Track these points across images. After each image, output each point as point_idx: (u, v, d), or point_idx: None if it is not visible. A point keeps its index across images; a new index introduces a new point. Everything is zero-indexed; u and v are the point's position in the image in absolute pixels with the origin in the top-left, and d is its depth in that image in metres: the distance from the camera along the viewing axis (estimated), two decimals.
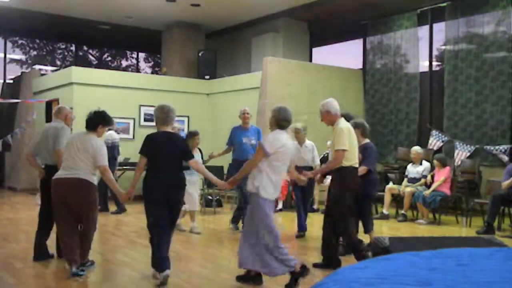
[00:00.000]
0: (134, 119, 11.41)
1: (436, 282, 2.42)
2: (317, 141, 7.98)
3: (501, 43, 9.49)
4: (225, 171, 10.68)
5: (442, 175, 8.57)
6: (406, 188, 8.81)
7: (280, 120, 4.74)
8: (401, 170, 9.98)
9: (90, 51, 17.39)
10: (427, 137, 10.47)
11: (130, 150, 9.88)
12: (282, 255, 4.52)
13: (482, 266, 2.74)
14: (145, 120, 11.30)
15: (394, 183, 9.44)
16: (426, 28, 10.90)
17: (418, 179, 8.91)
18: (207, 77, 12.88)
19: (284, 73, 10.82)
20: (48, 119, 11.88)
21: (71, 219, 5.03)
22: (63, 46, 16.87)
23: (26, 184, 12.28)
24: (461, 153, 9.75)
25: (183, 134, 9.04)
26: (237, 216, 7.52)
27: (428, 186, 8.75)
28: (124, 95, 11.30)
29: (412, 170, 9.06)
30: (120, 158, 9.88)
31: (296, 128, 7.20)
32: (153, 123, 5.04)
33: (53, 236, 5.54)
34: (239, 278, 4.79)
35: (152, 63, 17.99)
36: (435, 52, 11.03)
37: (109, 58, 17.86)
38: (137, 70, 17.34)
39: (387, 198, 9.00)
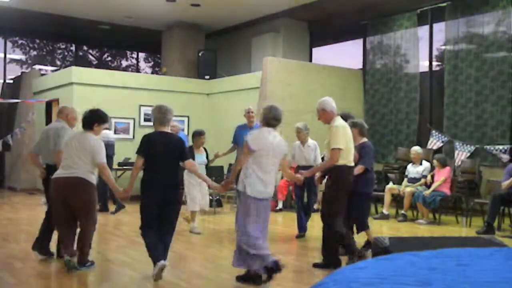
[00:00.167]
0: (134, 119, 11.42)
1: (436, 282, 2.42)
2: (318, 140, 7.98)
3: (501, 43, 9.49)
4: (225, 171, 10.70)
5: (442, 175, 8.57)
6: (406, 188, 8.81)
7: (269, 118, 4.75)
8: (401, 170, 9.98)
9: (90, 51, 17.39)
10: (427, 137, 10.47)
11: (130, 150, 9.86)
12: (256, 249, 4.55)
13: (482, 266, 2.74)
14: (145, 120, 11.30)
15: (394, 183, 9.43)
16: (426, 28, 10.90)
17: (418, 179, 8.91)
18: (207, 77, 12.89)
19: (284, 73, 10.82)
20: (48, 119, 11.90)
21: (69, 218, 5.06)
22: (63, 46, 16.87)
23: (26, 184, 12.29)
24: (461, 153, 9.75)
25: (182, 134, 9.05)
26: None
27: (428, 186, 8.75)
28: (124, 95, 11.30)
29: (412, 170, 9.06)
30: (116, 158, 9.89)
31: (297, 128, 7.21)
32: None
33: (54, 237, 5.55)
34: (239, 278, 4.79)
35: (152, 63, 17.99)
36: (435, 52, 11.03)
37: (109, 58, 17.85)
38: (137, 70, 17.34)
39: (387, 198, 8.99)
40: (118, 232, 7.47)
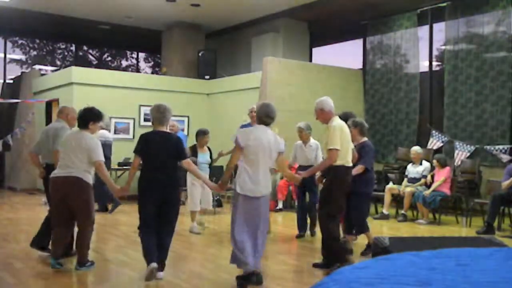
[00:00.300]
0: (134, 119, 11.42)
1: (436, 282, 2.42)
2: (319, 140, 7.98)
3: (501, 43, 9.49)
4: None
5: (442, 175, 8.57)
6: (406, 188, 8.81)
7: (262, 116, 4.71)
8: (401, 170, 9.98)
9: (90, 51, 17.39)
10: (427, 137, 10.47)
11: (130, 150, 9.78)
12: (239, 251, 4.56)
13: (482, 266, 2.74)
14: (145, 120, 11.30)
15: (394, 183, 9.43)
16: (426, 28, 10.90)
17: (418, 179, 8.91)
18: (207, 77, 12.89)
19: (284, 73, 10.82)
20: (48, 119, 11.90)
21: (67, 217, 5.06)
22: (63, 46, 16.87)
23: (26, 184, 12.29)
24: (461, 153, 9.75)
25: (181, 134, 9.06)
26: None
27: (428, 186, 8.75)
28: (124, 95, 11.31)
29: (412, 170, 9.06)
30: (116, 158, 9.89)
31: (299, 128, 7.20)
32: None
33: None
34: (239, 278, 4.79)
35: (152, 63, 17.99)
36: (435, 52, 11.03)
37: (109, 58, 17.85)
38: (137, 70, 17.34)
39: (387, 198, 8.99)
40: (117, 232, 7.47)
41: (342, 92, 11.10)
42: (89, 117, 5.19)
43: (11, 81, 14.08)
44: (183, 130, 11.86)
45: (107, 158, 9.01)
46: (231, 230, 4.69)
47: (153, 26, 13.99)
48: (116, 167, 10.35)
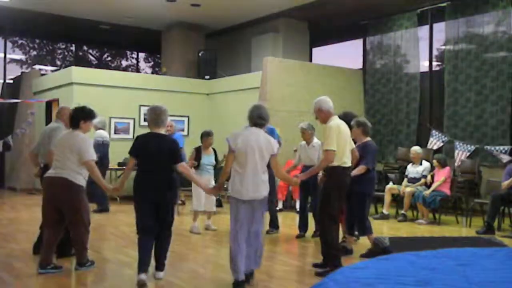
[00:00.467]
0: (134, 119, 11.42)
1: (436, 282, 2.43)
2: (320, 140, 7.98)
3: (501, 43, 9.49)
4: None
5: (442, 175, 8.57)
6: (406, 188, 8.81)
7: (254, 118, 4.67)
8: (401, 170, 9.98)
9: (90, 51, 17.39)
10: (427, 137, 10.47)
11: None
12: (231, 260, 4.54)
13: (482, 266, 2.74)
14: (145, 120, 11.27)
15: (394, 183, 9.43)
16: (426, 28, 10.90)
17: (418, 179, 8.91)
18: (207, 77, 12.88)
19: (284, 73, 10.82)
20: (48, 119, 11.90)
21: (54, 218, 5.03)
22: (63, 46, 16.87)
23: (26, 184, 12.28)
24: (461, 153, 9.75)
25: (178, 135, 9.04)
26: None
27: (428, 186, 8.75)
28: (124, 95, 11.30)
29: (412, 170, 9.06)
30: (116, 158, 9.89)
31: (301, 128, 7.17)
32: None
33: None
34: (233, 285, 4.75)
35: (152, 63, 17.99)
36: (435, 52, 11.03)
37: (109, 58, 17.85)
38: (137, 70, 17.34)
39: (387, 198, 8.99)
40: (117, 232, 7.47)
41: (342, 92, 11.10)
42: (80, 116, 5.13)
43: (11, 81, 14.08)
44: (182, 130, 11.87)
45: (105, 157, 9.05)
46: (229, 234, 4.67)
47: (153, 26, 13.99)
48: (116, 167, 10.34)
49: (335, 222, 5.23)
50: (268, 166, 4.67)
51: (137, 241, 4.70)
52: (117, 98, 11.18)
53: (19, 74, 13.82)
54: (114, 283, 4.98)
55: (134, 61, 17.62)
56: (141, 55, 17.57)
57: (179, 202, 9.56)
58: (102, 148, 8.92)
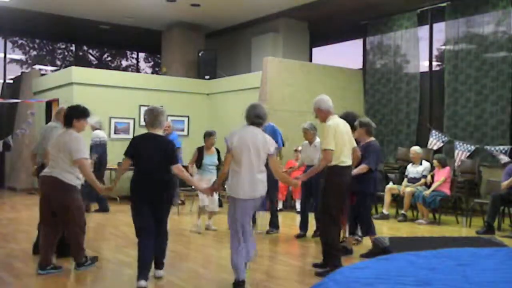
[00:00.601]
0: (134, 119, 11.42)
1: (436, 282, 2.43)
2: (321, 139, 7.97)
3: (501, 43, 9.49)
4: None
5: (442, 175, 8.57)
6: (406, 188, 8.81)
7: (252, 117, 4.66)
8: (401, 170, 9.98)
9: (90, 51, 17.39)
10: (427, 137, 10.47)
11: None
12: (232, 253, 4.54)
13: (482, 266, 2.74)
14: (145, 120, 11.29)
15: (394, 183, 9.43)
16: (426, 28, 10.90)
17: (418, 179, 8.91)
18: (207, 77, 12.89)
19: (284, 73, 10.82)
20: (48, 119, 11.90)
21: (49, 217, 5.06)
22: (63, 46, 16.87)
23: (26, 184, 12.28)
24: (461, 153, 9.75)
25: (175, 135, 9.06)
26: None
27: (428, 186, 8.75)
28: (124, 95, 11.31)
29: (412, 170, 9.06)
30: (115, 159, 9.87)
31: (303, 128, 7.17)
32: None
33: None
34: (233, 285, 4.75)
35: (152, 63, 17.99)
36: (435, 52, 11.03)
37: (109, 58, 17.86)
38: (137, 70, 17.34)
39: (387, 198, 8.99)
40: (117, 232, 7.46)
41: (342, 92, 11.10)
42: (73, 115, 5.11)
43: (11, 81, 14.08)
44: (182, 130, 11.88)
45: (103, 157, 9.07)
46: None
47: (153, 26, 13.99)
48: (116, 167, 10.32)
49: (335, 222, 5.21)
50: (267, 165, 4.67)
51: (137, 244, 4.63)
52: (117, 98, 11.18)
53: (19, 74, 13.82)
54: (114, 283, 4.98)
55: (134, 61, 17.62)
56: (141, 55, 17.58)
57: (179, 202, 9.56)
58: (99, 148, 8.98)
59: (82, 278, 5.01)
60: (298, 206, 9.31)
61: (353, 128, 5.76)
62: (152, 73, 17.28)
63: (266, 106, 5.03)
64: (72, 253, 5.15)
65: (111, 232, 7.51)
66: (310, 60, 13.28)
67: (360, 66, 12.21)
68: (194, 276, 5.16)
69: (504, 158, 9.11)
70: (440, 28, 10.62)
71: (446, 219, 8.75)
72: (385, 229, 8.01)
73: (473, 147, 9.64)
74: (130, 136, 11.20)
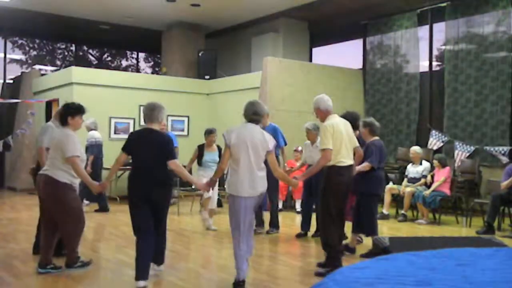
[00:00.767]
0: (134, 119, 11.42)
1: (436, 282, 2.43)
2: None
3: (501, 43, 9.49)
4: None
5: (442, 175, 8.57)
6: (406, 188, 8.81)
7: (250, 114, 4.65)
8: (401, 170, 9.98)
9: (90, 51, 17.39)
10: (427, 137, 10.47)
11: None
12: (234, 250, 4.56)
13: (482, 266, 2.74)
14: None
15: (394, 183, 9.43)
16: (426, 28, 10.89)
17: (418, 179, 8.91)
18: (207, 77, 12.89)
19: (284, 73, 10.82)
20: (48, 119, 11.90)
21: (46, 216, 5.08)
22: (63, 46, 16.88)
23: (26, 184, 12.26)
24: (461, 153, 9.75)
25: (171, 134, 9.04)
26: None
27: (428, 186, 8.75)
28: (124, 95, 11.31)
29: (412, 170, 9.06)
30: (113, 159, 9.88)
31: (306, 128, 7.17)
32: None
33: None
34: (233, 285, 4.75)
35: (152, 63, 18.00)
36: (435, 52, 11.02)
37: (109, 58, 17.86)
38: (137, 70, 17.35)
39: (387, 198, 8.99)
40: (117, 232, 7.46)
41: (342, 92, 11.10)
42: (67, 112, 5.09)
43: (11, 81, 14.08)
44: (182, 130, 11.89)
45: (98, 158, 9.10)
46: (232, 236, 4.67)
47: (153, 26, 13.99)
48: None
49: (335, 222, 5.19)
50: (267, 163, 4.66)
51: (135, 244, 4.57)
52: (117, 98, 11.18)
53: (19, 74, 13.82)
54: (114, 283, 4.98)
55: (134, 61, 17.63)
56: (141, 55, 17.58)
57: (175, 201, 9.56)
58: (95, 149, 9.01)
59: (82, 278, 5.01)
60: (298, 206, 9.32)
61: (355, 128, 5.74)
62: (152, 73, 17.29)
63: (266, 106, 5.03)
64: (67, 253, 5.15)
65: (111, 232, 7.51)
66: (310, 60, 13.28)
67: (360, 66, 12.21)
68: (194, 276, 5.16)
69: (504, 159, 9.11)
70: (440, 28, 10.62)
71: (446, 219, 8.75)
72: (385, 229, 8.01)
73: (473, 147, 9.63)
74: None
